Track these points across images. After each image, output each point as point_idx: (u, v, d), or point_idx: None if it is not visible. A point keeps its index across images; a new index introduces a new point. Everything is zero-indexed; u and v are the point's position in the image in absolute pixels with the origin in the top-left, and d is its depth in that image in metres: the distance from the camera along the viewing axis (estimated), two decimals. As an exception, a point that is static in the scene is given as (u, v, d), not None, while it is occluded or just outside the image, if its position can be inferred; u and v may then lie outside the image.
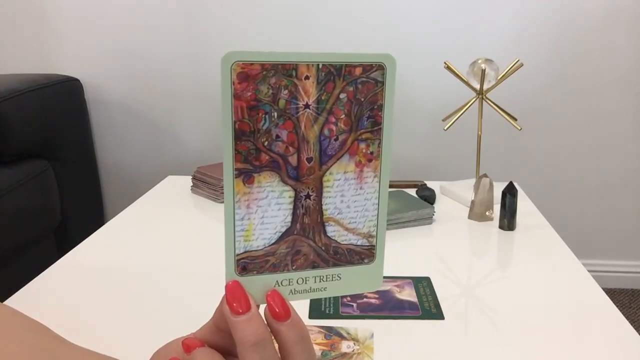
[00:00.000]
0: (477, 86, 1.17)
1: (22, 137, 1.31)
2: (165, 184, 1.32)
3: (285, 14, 1.53)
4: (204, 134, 1.66)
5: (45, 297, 0.77)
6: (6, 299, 0.76)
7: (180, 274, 0.84)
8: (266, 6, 1.53)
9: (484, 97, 1.18)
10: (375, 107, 0.32)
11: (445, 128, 1.18)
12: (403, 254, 0.93)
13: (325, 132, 0.32)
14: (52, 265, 0.87)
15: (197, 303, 0.75)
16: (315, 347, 0.64)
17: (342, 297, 0.77)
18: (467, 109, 1.19)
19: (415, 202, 1.09)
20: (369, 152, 0.33)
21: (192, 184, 1.25)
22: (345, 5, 1.51)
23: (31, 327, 0.39)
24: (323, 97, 0.31)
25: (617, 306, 0.75)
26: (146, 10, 1.56)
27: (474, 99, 1.19)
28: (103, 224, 1.07)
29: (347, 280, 0.35)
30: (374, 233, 0.34)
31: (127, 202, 1.25)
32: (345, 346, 0.65)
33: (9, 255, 1.21)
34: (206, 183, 1.21)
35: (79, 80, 1.58)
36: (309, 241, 0.33)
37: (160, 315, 0.73)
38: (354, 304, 0.75)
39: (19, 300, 0.76)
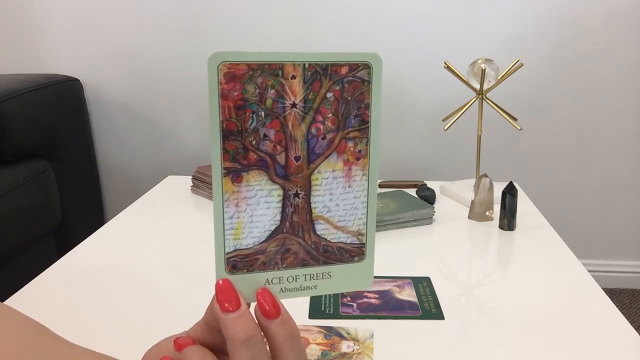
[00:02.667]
0: (477, 86, 1.17)
1: (22, 137, 1.31)
2: (165, 184, 1.32)
3: (285, 15, 1.53)
4: (203, 134, 1.66)
5: (45, 297, 0.77)
6: (6, 299, 0.76)
7: (181, 274, 0.85)
8: (266, 6, 1.53)
9: (484, 97, 1.18)
10: (362, 105, 0.32)
11: (445, 128, 1.18)
12: (403, 254, 0.93)
13: (313, 131, 0.32)
14: (52, 265, 0.87)
15: (197, 302, 0.75)
16: (315, 347, 0.64)
17: (342, 297, 0.77)
18: (467, 109, 1.19)
19: (415, 202, 1.09)
20: (356, 150, 0.33)
21: (192, 184, 1.25)
22: (344, 5, 1.51)
23: (30, 326, 0.39)
24: (310, 96, 0.31)
25: (617, 306, 0.75)
26: (146, 10, 1.56)
27: (474, 99, 1.19)
28: (103, 224, 1.07)
29: (337, 279, 0.35)
30: (364, 231, 0.35)
31: (127, 202, 1.25)
32: (345, 346, 0.65)
33: (9, 255, 1.21)
34: (206, 183, 1.21)
35: (79, 80, 1.58)
36: (298, 239, 0.33)
37: (160, 314, 0.73)
38: (354, 304, 0.75)
39: (19, 300, 0.76)
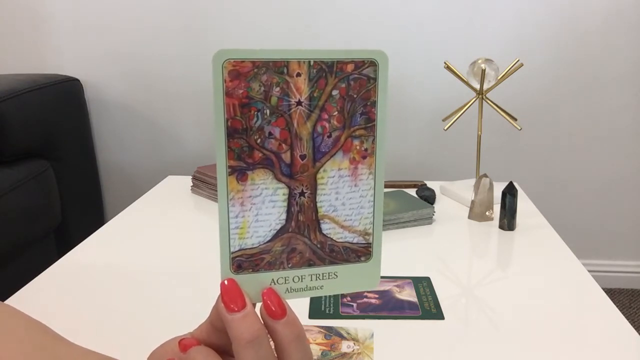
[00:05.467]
0: (477, 86, 1.17)
1: (22, 137, 1.31)
2: (165, 184, 1.32)
3: (286, 14, 1.53)
4: (203, 134, 1.66)
5: (45, 297, 0.77)
6: (6, 299, 0.76)
7: (181, 274, 0.84)
8: (266, 5, 1.53)
9: (484, 97, 1.18)
10: (368, 103, 0.32)
11: (446, 128, 1.18)
12: (403, 254, 0.93)
13: (319, 129, 0.31)
14: (52, 265, 0.87)
15: (197, 303, 0.75)
16: (315, 347, 0.64)
17: (342, 297, 0.77)
18: (467, 109, 1.19)
19: (415, 202, 1.09)
20: (363, 148, 0.33)
21: (192, 184, 1.25)
22: (346, 4, 1.51)
23: (31, 326, 0.39)
24: (315, 94, 0.31)
25: (617, 306, 0.75)
26: (146, 10, 1.56)
27: (474, 99, 1.19)
28: (103, 224, 1.07)
29: (343, 279, 0.34)
30: (370, 230, 0.34)
31: (127, 202, 1.25)
32: (345, 346, 0.65)
33: (9, 255, 1.21)
34: (206, 183, 1.21)
35: (79, 80, 1.58)
36: (304, 239, 0.33)
37: (160, 315, 0.73)
38: (354, 304, 0.75)
39: (19, 300, 0.76)
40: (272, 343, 0.32)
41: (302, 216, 0.33)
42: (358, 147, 0.32)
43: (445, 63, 1.17)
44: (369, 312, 0.73)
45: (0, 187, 1.18)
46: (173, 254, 0.92)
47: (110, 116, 1.66)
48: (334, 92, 0.31)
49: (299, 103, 0.31)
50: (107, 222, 1.07)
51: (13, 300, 0.76)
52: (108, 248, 0.94)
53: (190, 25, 1.56)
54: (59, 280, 0.82)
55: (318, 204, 0.33)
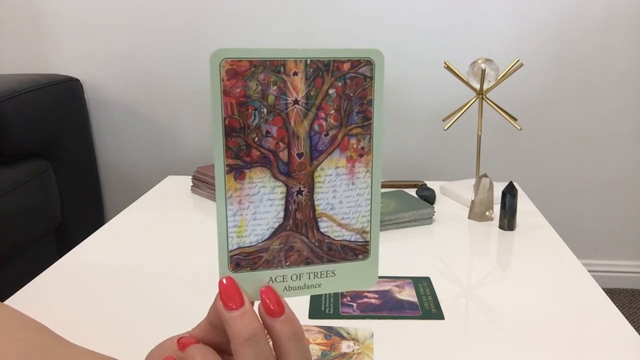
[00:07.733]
0: (477, 86, 1.17)
1: (22, 137, 1.31)
2: (165, 184, 1.32)
3: (285, 13, 1.53)
4: (204, 134, 1.66)
5: (45, 297, 0.77)
6: (6, 299, 0.76)
7: (180, 274, 0.85)
8: (266, 5, 1.53)
9: (484, 97, 1.18)
10: (365, 102, 0.32)
11: (445, 128, 1.18)
12: (403, 254, 0.93)
13: (315, 127, 0.32)
14: (52, 265, 0.87)
15: (197, 302, 0.75)
16: (315, 347, 0.64)
17: (342, 297, 0.77)
18: (467, 109, 1.19)
19: (415, 202, 1.09)
20: (359, 147, 0.33)
21: (192, 184, 1.25)
22: (346, 3, 1.51)
23: (31, 326, 0.39)
24: (312, 93, 0.31)
25: (617, 306, 0.75)
26: (146, 10, 1.56)
27: (474, 99, 1.19)
28: (103, 224, 1.07)
29: (341, 277, 0.35)
30: (368, 229, 0.34)
31: (127, 202, 1.25)
32: (345, 346, 0.65)
33: (9, 255, 1.21)
34: (206, 183, 1.21)
35: (79, 80, 1.58)
36: (302, 237, 0.33)
37: (161, 314, 0.73)
38: (354, 304, 0.75)
39: (19, 300, 0.76)
40: (270, 342, 0.32)
41: (300, 214, 0.33)
42: (355, 146, 0.33)
43: (445, 63, 1.17)
44: (369, 312, 0.73)
45: (0, 187, 1.18)
46: (173, 254, 0.92)
47: (110, 116, 1.66)
48: (331, 91, 0.31)
49: (296, 102, 0.31)
50: (107, 222, 1.07)
51: (13, 300, 0.76)
52: (108, 248, 0.94)
53: (190, 25, 1.56)
54: (59, 280, 0.82)
55: (315, 202, 0.33)
